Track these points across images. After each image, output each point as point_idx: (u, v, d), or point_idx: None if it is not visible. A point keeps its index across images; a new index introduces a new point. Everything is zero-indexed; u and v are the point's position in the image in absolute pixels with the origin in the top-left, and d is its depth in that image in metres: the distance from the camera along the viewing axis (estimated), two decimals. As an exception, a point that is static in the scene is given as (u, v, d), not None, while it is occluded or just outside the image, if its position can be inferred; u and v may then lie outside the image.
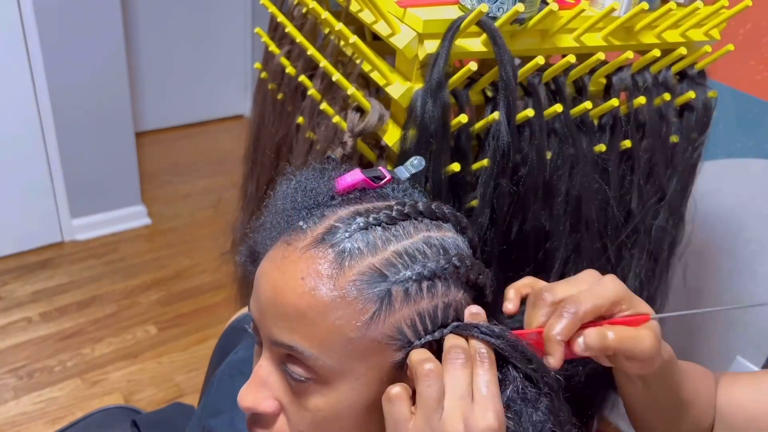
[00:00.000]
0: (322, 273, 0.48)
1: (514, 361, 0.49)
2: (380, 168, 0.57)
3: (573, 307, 0.51)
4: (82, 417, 0.95)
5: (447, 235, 0.54)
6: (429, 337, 0.50)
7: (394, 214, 0.51)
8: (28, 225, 2.16)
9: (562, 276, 0.91)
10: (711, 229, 1.37)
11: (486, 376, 0.47)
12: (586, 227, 0.90)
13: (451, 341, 0.49)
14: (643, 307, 0.55)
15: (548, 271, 0.91)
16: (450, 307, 0.52)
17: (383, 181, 0.56)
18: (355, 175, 0.54)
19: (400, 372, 0.50)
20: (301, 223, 0.52)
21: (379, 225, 0.51)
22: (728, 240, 1.35)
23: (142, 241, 2.33)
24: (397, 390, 0.47)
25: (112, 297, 2.06)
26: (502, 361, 0.50)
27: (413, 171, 0.59)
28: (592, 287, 0.54)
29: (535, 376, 0.49)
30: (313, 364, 0.49)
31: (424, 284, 0.50)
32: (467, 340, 0.50)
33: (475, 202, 0.81)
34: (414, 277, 0.49)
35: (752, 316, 1.37)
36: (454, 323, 0.51)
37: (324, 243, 0.49)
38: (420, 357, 0.48)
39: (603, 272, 0.57)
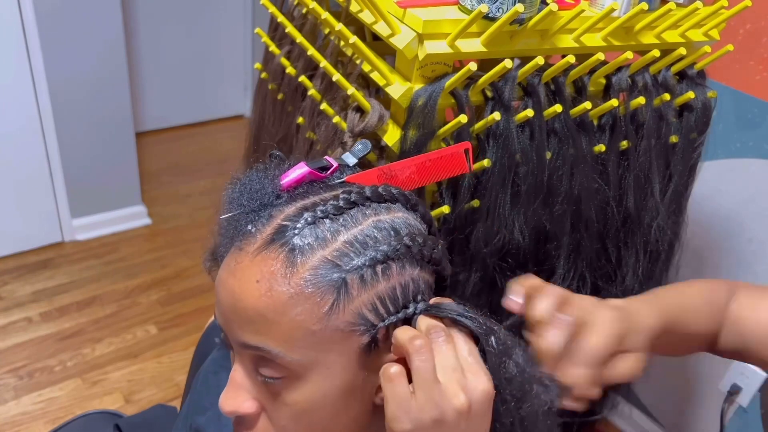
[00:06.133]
0: (275, 273, 0.49)
1: (481, 337, 0.51)
2: (326, 157, 0.58)
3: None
4: (62, 425, 0.93)
5: (397, 216, 0.54)
6: (393, 318, 0.52)
7: (340, 203, 0.52)
8: (28, 225, 2.16)
9: (562, 277, 0.91)
10: (711, 229, 1.37)
11: (467, 346, 0.50)
12: (586, 227, 0.90)
13: (428, 322, 0.51)
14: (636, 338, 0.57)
15: (547, 272, 0.91)
16: (408, 287, 0.53)
17: (330, 171, 0.57)
18: (299, 170, 0.55)
19: (368, 355, 0.52)
20: (249, 227, 0.52)
21: (327, 217, 0.51)
22: (728, 240, 1.35)
23: (142, 241, 2.33)
24: (396, 369, 0.48)
25: (112, 297, 2.06)
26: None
27: (360, 155, 0.61)
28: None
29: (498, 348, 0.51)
30: (282, 361, 0.50)
31: (378, 268, 0.51)
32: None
33: (476, 203, 0.81)
34: (367, 263, 0.50)
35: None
36: (421, 305, 0.53)
37: (274, 243, 0.50)
38: (408, 334, 0.49)
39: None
